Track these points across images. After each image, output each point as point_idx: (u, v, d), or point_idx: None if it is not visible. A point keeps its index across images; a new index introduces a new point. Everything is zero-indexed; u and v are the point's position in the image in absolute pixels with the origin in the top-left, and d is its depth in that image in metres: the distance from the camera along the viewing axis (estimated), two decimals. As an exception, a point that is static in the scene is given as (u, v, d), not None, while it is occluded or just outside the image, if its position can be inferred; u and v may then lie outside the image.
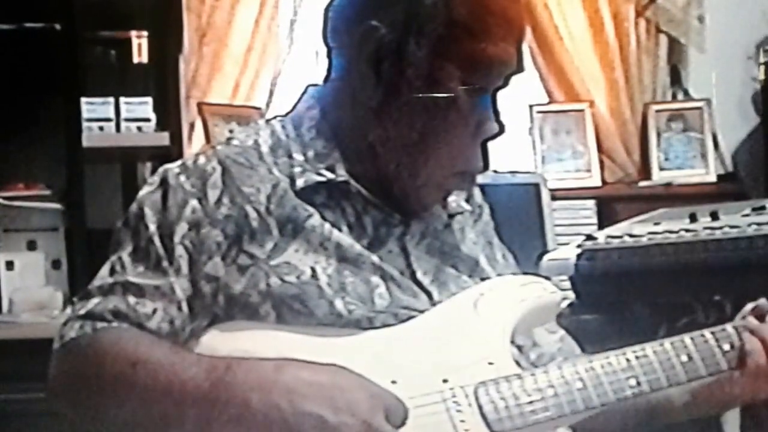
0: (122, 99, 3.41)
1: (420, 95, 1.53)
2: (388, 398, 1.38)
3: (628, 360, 1.51)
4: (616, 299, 2.47)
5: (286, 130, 1.60)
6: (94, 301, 1.48)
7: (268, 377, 1.36)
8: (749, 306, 1.64)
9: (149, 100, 3.45)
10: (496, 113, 1.57)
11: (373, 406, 1.35)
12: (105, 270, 1.52)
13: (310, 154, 1.57)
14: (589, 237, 2.49)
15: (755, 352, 1.57)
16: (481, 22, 1.52)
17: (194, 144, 3.83)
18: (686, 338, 1.56)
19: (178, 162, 1.57)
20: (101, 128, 3.40)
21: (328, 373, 1.38)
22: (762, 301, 1.63)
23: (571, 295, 2.47)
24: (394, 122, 1.54)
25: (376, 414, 1.35)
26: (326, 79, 1.62)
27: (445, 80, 1.52)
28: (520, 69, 1.58)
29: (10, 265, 3.40)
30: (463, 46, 1.52)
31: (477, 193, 1.74)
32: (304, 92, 1.64)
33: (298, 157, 1.57)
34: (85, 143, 3.36)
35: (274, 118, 1.64)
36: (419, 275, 1.58)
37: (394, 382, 1.43)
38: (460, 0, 1.52)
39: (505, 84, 1.57)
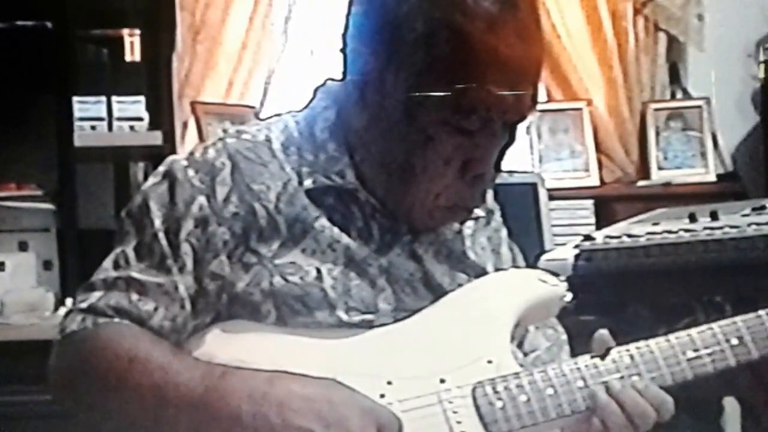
0: (114, 98, 3.42)
1: (396, 128, 1.47)
2: (381, 414, 1.38)
3: (632, 357, 1.48)
4: (614, 300, 2.44)
5: (300, 128, 1.56)
6: (97, 294, 1.48)
7: (260, 389, 1.36)
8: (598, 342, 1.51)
9: (142, 99, 3.45)
10: (490, 153, 1.47)
11: (364, 422, 1.35)
12: (109, 262, 1.51)
13: (322, 156, 1.53)
14: (587, 237, 2.48)
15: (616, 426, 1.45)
16: (465, 62, 1.42)
17: (187, 143, 3.81)
18: (693, 333, 1.51)
19: (185, 154, 1.55)
20: (93, 127, 3.40)
21: (320, 387, 1.37)
22: (602, 333, 1.50)
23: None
24: (378, 147, 1.50)
25: (368, 430, 1.35)
26: (344, 76, 1.56)
27: (422, 117, 1.45)
28: (519, 115, 1.47)
29: (1, 266, 3.40)
30: (442, 85, 1.43)
31: (489, 195, 1.68)
32: (323, 85, 1.60)
33: (309, 157, 1.53)
34: (77, 143, 3.37)
35: (288, 112, 1.60)
36: (439, 279, 1.55)
37: (389, 383, 1.43)
38: (445, 37, 1.42)
39: (509, 128, 1.48)
